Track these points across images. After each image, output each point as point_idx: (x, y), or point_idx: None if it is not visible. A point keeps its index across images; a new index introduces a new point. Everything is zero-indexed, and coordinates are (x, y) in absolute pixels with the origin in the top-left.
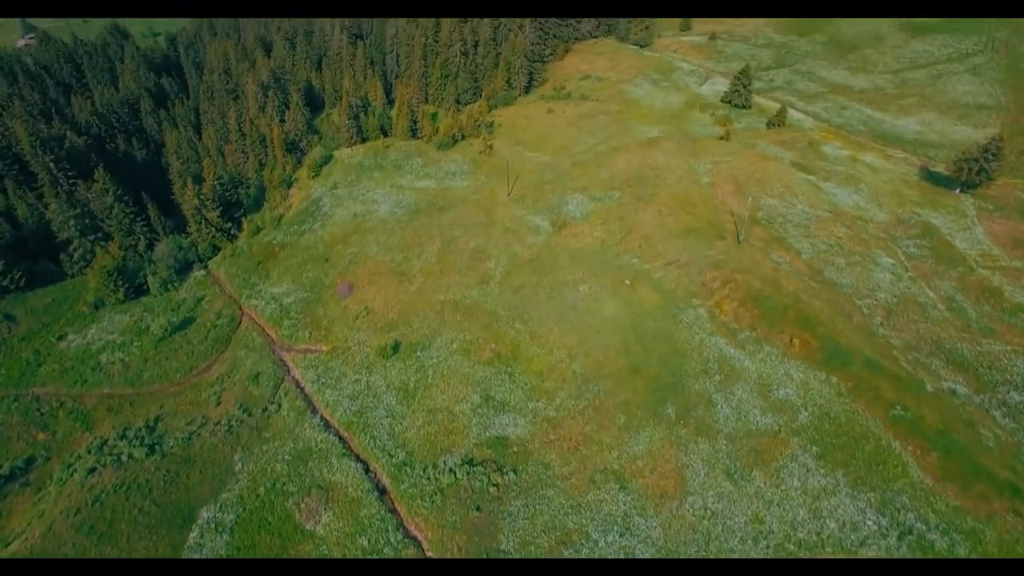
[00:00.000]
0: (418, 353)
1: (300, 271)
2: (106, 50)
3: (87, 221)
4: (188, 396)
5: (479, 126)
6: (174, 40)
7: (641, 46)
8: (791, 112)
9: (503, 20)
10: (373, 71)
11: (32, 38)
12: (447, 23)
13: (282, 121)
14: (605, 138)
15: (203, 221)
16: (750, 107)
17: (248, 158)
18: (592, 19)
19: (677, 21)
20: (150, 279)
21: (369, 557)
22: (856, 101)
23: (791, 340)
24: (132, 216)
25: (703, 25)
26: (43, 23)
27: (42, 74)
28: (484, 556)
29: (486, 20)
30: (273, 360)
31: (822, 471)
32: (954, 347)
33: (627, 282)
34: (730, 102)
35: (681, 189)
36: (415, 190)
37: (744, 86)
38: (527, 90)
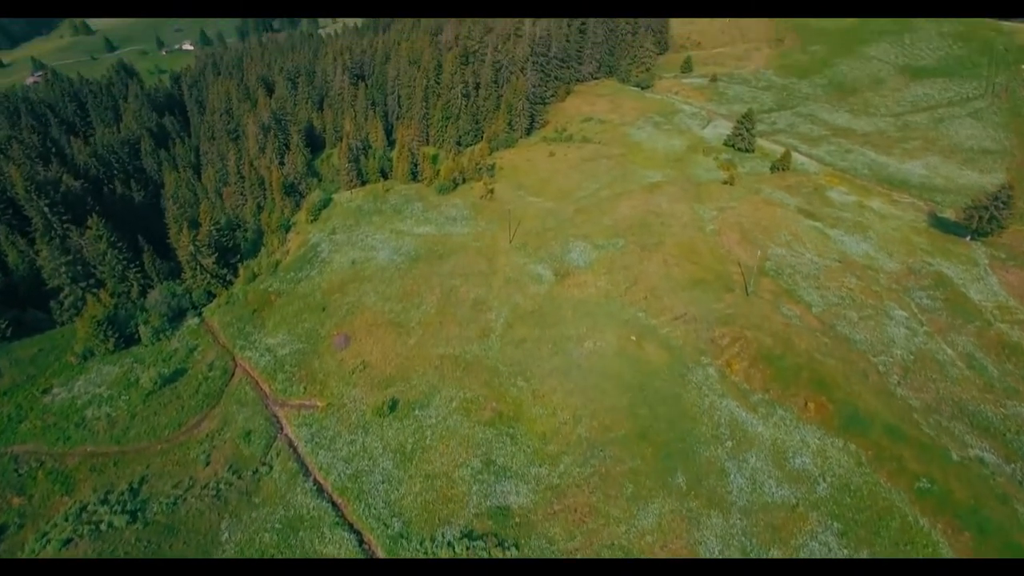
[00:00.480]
0: (416, 412)
1: (296, 320)
2: (111, 89)
3: (79, 268)
4: (176, 455)
5: (480, 169)
6: (178, 79)
7: (642, 88)
8: (795, 155)
9: (504, 63)
10: (374, 112)
11: (41, 75)
12: (448, 65)
13: (281, 163)
14: (608, 182)
15: (198, 267)
16: (753, 151)
17: (247, 200)
18: (593, 60)
19: (678, 63)
20: (141, 328)
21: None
22: (859, 144)
23: (806, 403)
24: (126, 262)
25: (703, 67)
26: (53, 61)
27: (47, 112)
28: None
29: (488, 62)
30: (266, 416)
31: (845, 551)
32: (977, 409)
33: (633, 338)
34: (733, 146)
35: (686, 237)
36: (415, 236)
37: (747, 130)
38: (528, 132)
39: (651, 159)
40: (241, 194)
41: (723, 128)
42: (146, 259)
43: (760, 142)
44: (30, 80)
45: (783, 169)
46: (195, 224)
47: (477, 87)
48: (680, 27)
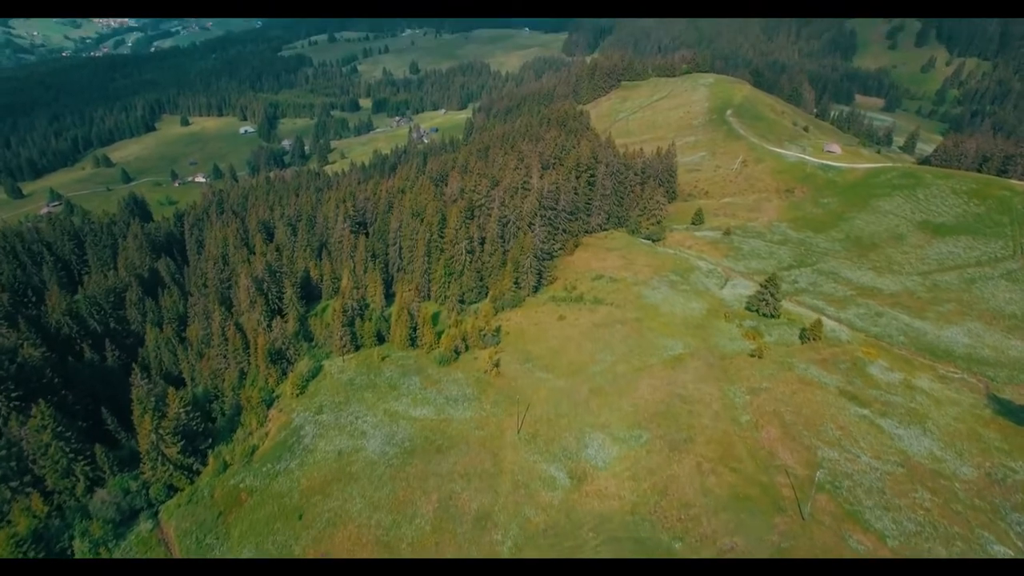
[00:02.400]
0: None
1: (267, 531)
2: (111, 228)
3: (13, 464)
4: None
5: (484, 335)
6: (182, 217)
7: (653, 241)
8: (824, 319)
9: (511, 217)
10: (374, 264)
11: (55, 206)
12: (453, 219)
13: (269, 326)
14: (624, 354)
15: (160, 458)
16: (779, 316)
17: (229, 365)
18: (602, 212)
19: (688, 213)
20: (77, 543)
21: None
22: (889, 306)
23: None
24: (72, 455)
25: (715, 218)
26: (70, 191)
27: (43, 251)
28: None
29: (494, 216)
30: None
31: None
32: None
33: None
34: (757, 310)
35: (719, 431)
36: (411, 420)
37: (772, 294)
38: (536, 289)
39: (669, 325)
40: (224, 357)
41: (743, 288)
42: (98, 451)
43: (786, 305)
44: (44, 210)
45: (814, 338)
46: (162, 402)
47: (482, 242)
48: (686, 175)
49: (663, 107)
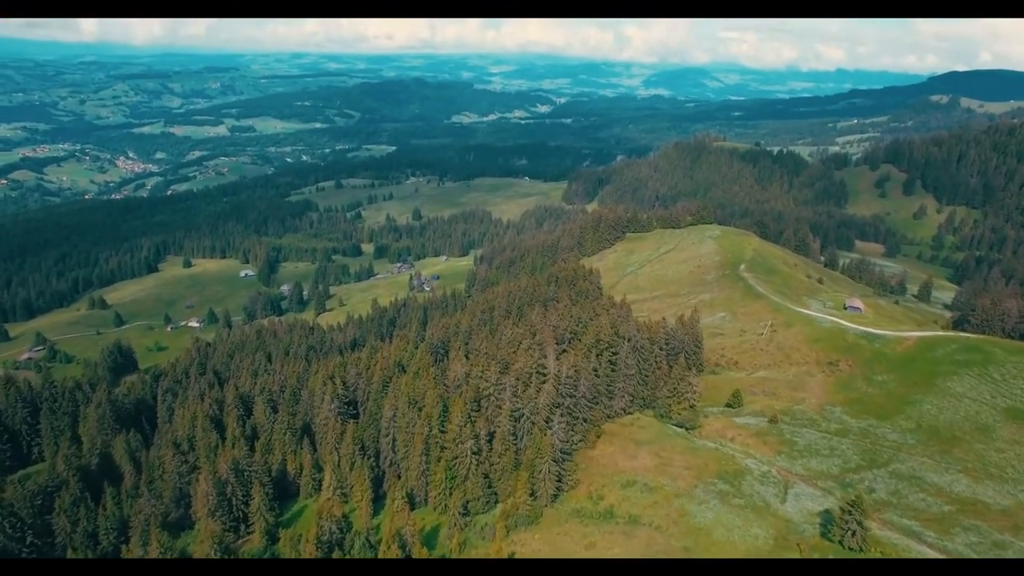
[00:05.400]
0: None
1: None
2: (74, 394)
3: None
4: None
5: None
6: (158, 378)
7: (687, 429)
8: (922, 549)
9: (525, 411)
10: (363, 458)
11: (40, 350)
12: (457, 413)
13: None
14: None
15: None
16: (868, 551)
17: None
18: (625, 394)
19: (719, 390)
20: None
21: None
22: (1009, 531)
23: None
24: None
25: (753, 399)
26: (59, 334)
27: None
28: None
29: (504, 409)
30: None
31: None
32: None
33: None
34: (840, 541)
35: None
36: None
37: (858, 522)
38: (555, 498)
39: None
40: None
41: (809, 500)
42: None
43: (875, 531)
44: (24, 356)
45: None
46: None
47: (491, 439)
48: (709, 340)
49: (672, 260)
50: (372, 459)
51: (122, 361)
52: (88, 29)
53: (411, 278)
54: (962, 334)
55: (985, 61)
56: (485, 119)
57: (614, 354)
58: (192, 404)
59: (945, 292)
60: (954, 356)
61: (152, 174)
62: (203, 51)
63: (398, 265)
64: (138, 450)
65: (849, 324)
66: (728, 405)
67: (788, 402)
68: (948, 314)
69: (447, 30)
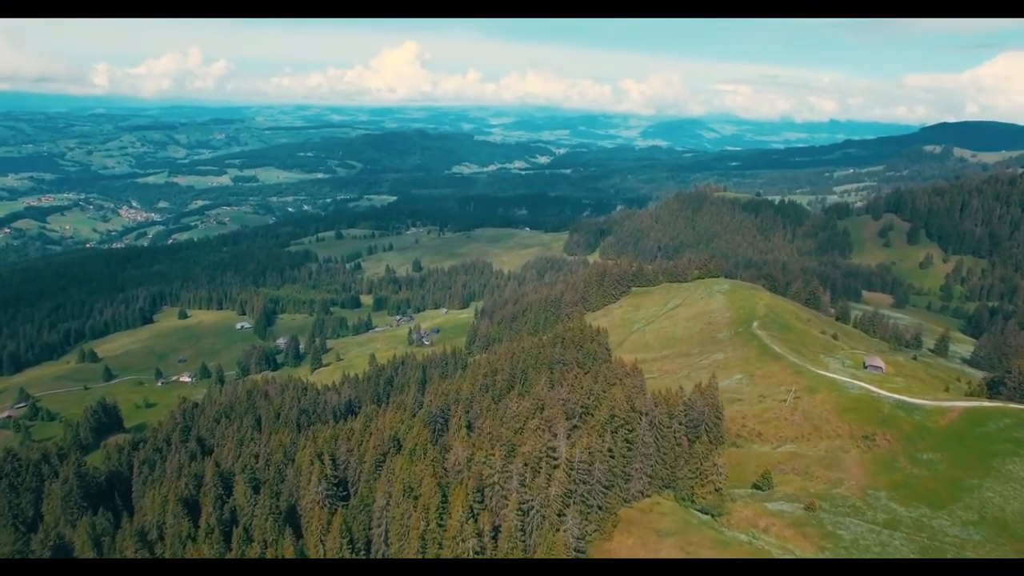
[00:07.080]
0: None
1: None
2: (39, 467)
3: None
4: None
5: None
6: (137, 447)
7: (713, 516)
8: None
9: (535, 503)
10: (352, 552)
11: (21, 407)
12: (457, 506)
13: None
14: None
15: None
16: None
17: None
18: (643, 476)
19: (746, 469)
20: None
21: None
22: None
23: None
24: None
25: (784, 479)
26: (44, 390)
27: None
28: None
29: (512, 500)
30: None
31: None
32: None
33: None
34: None
35: None
36: None
37: None
38: None
39: None
40: None
41: None
42: None
43: None
44: (4, 414)
45: None
46: None
47: (496, 534)
48: (727, 406)
49: (680, 316)
50: (362, 551)
51: (106, 420)
52: (99, 83)
53: (410, 331)
54: (1013, 405)
55: (972, 112)
56: (485, 169)
57: (630, 431)
58: (168, 482)
59: (962, 345)
60: (1011, 433)
61: (154, 223)
62: (209, 103)
63: (397, 318)
64: (105, 534)
65: (879, 391)
66: (756, 486)
67: (824, 483)
68: (969, 370)
69: (448, 83)
